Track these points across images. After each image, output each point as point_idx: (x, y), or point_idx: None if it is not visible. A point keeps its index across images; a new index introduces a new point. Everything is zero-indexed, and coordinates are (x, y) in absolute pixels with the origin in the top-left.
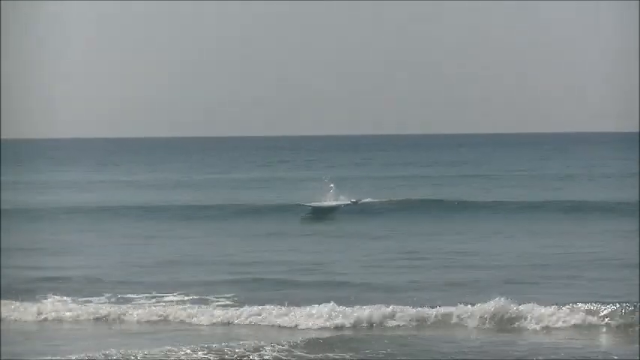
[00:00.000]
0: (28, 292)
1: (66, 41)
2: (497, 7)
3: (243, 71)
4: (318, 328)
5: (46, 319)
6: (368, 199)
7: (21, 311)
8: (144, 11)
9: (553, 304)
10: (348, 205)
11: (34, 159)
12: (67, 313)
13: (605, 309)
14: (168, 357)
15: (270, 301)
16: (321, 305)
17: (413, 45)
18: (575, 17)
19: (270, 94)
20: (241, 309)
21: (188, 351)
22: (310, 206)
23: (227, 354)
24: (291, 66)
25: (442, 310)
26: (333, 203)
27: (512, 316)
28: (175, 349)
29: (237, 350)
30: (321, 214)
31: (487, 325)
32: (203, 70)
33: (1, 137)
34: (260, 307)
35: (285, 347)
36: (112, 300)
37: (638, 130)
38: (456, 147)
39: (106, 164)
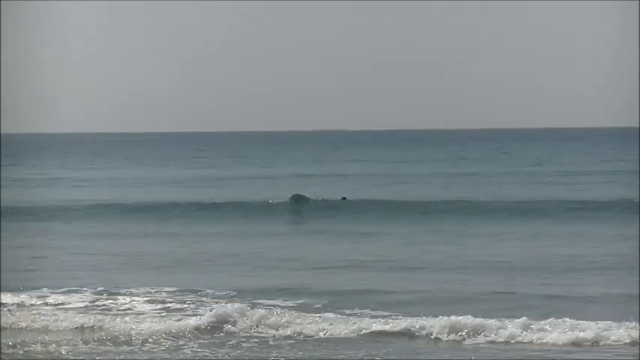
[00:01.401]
0: None
1: (66, 41)
2: (497, 7)
3: (243, 71)
4: None
5: None
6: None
7: None
8: (144, 11)
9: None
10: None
11: (31, 153)
12: None
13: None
14: None
15: None
16: None
17: (413, 45)
18: (575, 17)
19: (270, 94)
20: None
21: None
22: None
23: None
24: (291, 66)
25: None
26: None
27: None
28: None
29: None
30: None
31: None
32: (203, 70)
33: (1, 133)
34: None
35: None
36: None
37: (638, 126)
38: (455, 142)
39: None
